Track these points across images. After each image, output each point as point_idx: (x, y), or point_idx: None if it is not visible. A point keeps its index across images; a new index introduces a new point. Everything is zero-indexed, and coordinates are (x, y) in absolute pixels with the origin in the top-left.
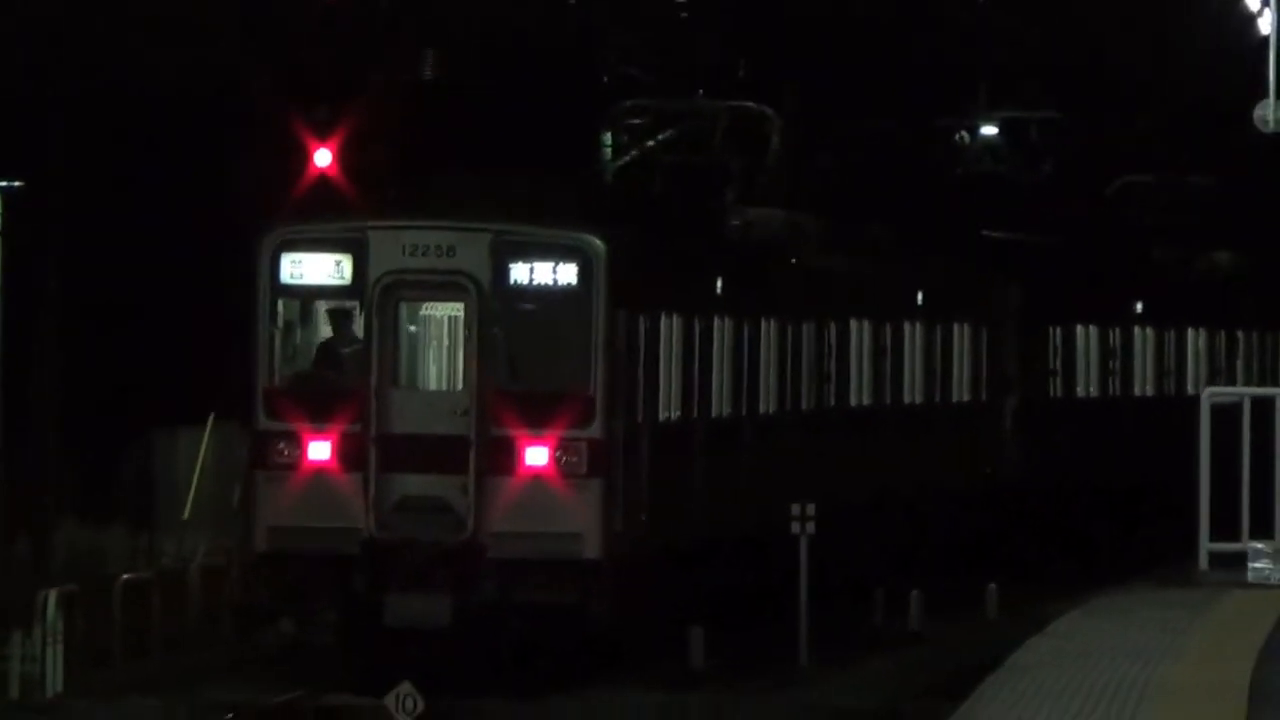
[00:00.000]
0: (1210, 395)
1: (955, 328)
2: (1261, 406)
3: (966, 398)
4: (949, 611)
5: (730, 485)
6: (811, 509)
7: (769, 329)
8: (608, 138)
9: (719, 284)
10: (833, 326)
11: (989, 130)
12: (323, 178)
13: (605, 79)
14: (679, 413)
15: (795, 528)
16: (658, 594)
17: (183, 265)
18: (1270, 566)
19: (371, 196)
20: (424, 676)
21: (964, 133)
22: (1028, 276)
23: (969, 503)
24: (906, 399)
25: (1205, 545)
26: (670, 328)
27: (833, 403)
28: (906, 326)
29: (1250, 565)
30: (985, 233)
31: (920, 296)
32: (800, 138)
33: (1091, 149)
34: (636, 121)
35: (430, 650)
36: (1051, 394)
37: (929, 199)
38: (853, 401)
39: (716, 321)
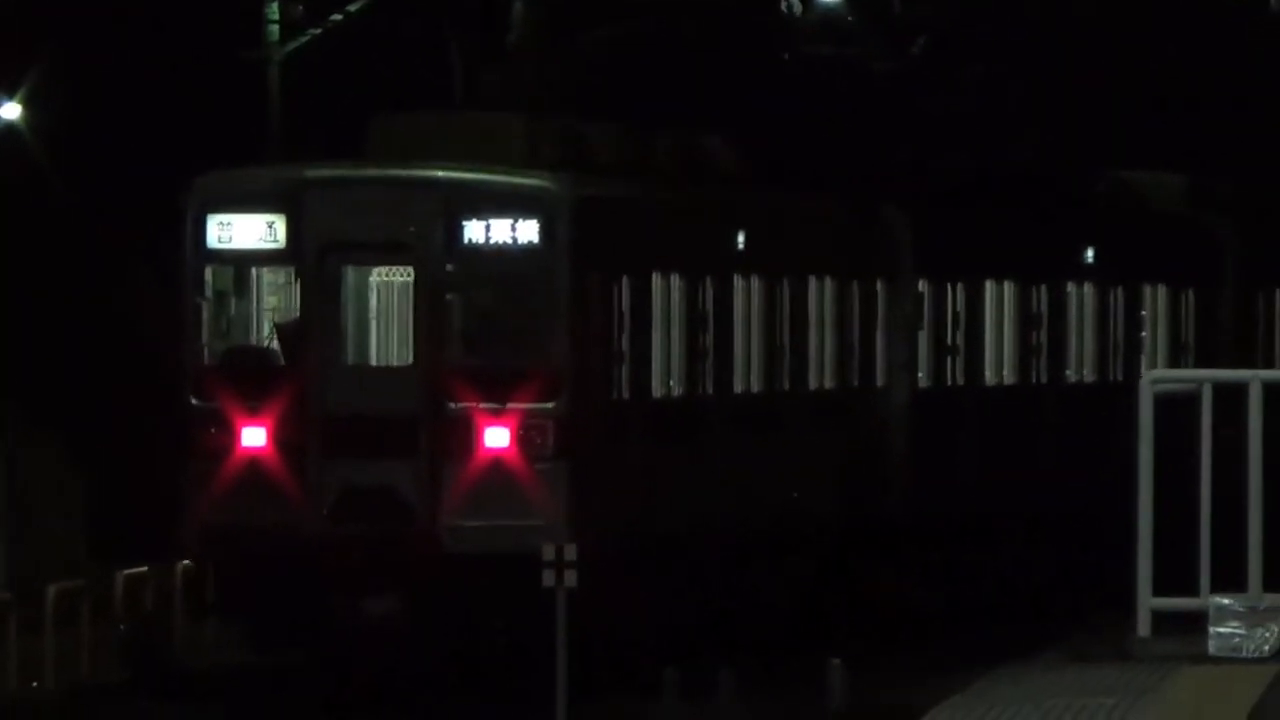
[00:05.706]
0: (1153, 380)
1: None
2: (1229, 395)
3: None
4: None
5: (754, 475)
6: (572, 552)
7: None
8: (273, 8)
9: (740, 236)
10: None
11: None
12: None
13: None
14: (683, 388)
15: (548, 578)
16: (643, 599)
17: None
18: (1241, 632)
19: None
20: (378, 683)
21: None
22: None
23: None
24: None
25: (1146, 601)
26: (668, 290)
27: (960, 381)
28: (1071, 288)
29: (1211, 630)
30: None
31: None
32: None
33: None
34: None
35: (383, 655)
36: None
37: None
38: (990, 379)
39: (739, 282)
